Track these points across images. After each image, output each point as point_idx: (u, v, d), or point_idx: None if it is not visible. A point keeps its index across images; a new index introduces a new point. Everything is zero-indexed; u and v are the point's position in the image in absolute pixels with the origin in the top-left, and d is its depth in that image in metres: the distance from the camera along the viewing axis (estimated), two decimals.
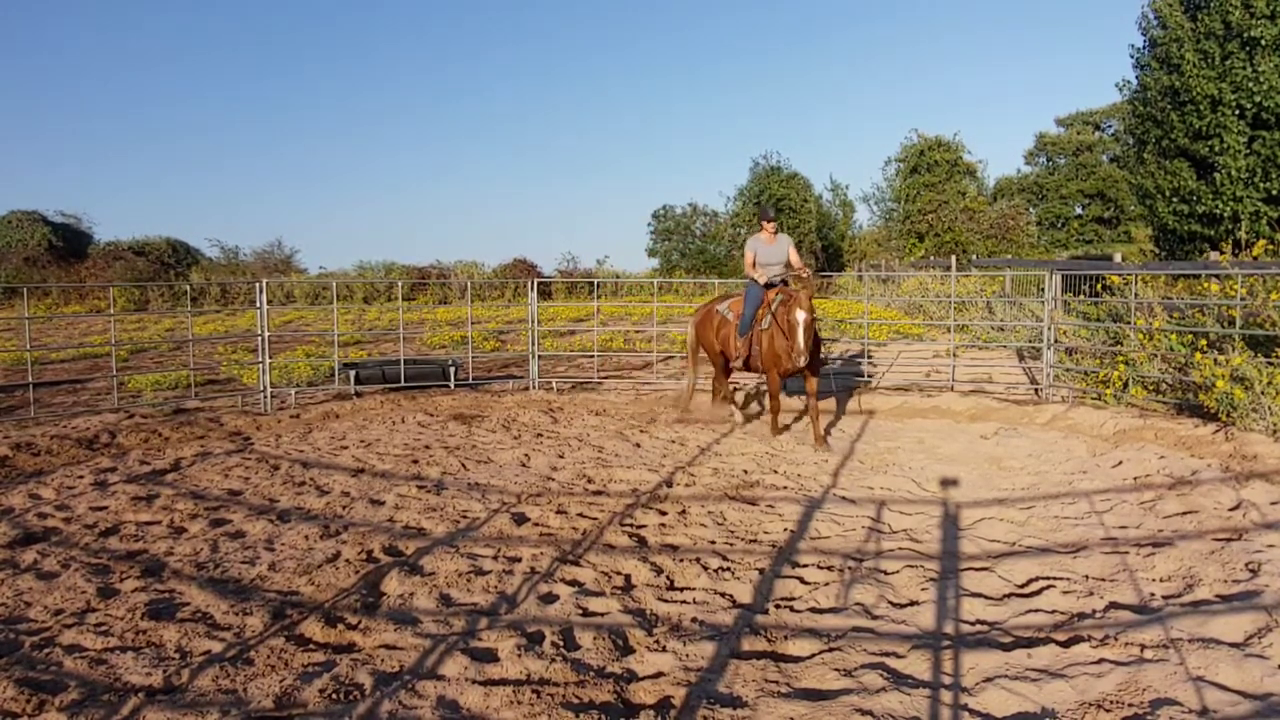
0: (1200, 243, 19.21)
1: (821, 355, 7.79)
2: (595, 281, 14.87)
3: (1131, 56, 21.22)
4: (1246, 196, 18.30)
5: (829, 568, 4.44)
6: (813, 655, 3.45)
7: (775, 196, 31.41)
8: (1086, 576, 4.20)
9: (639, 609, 3.96)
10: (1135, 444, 6.84)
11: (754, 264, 7.95)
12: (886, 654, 3.43)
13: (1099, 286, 11.88)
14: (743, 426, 8.33)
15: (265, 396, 9.35)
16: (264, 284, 9.81)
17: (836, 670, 3.31)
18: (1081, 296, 13.03)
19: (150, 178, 70.48)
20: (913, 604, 3.97)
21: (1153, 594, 3.95)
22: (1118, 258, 16.83)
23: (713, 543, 4.91)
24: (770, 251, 7.94)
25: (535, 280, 11.65)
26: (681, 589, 4.23)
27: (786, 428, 8.21)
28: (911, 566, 4.41)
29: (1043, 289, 9.78)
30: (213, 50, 78.67)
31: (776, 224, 7.97)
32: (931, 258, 28.10)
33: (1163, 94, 19.76)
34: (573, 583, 4.31)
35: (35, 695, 3.12)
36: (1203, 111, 18.59)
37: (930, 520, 5.27)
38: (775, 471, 6.53)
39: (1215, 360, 7.18)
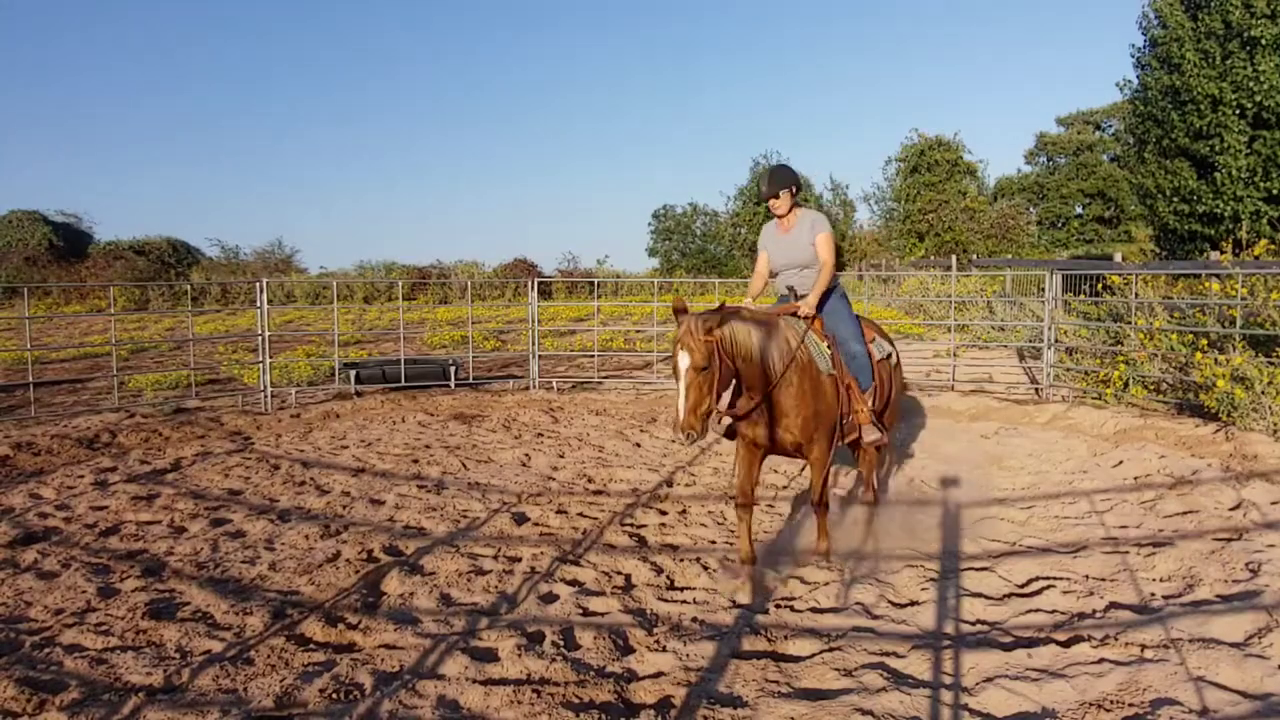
0: (1201, 242, 19.20)
1: (846, 425, 4.49)
2: (595, 281, 14.87)
3: (1132, 56, 21.23)
4: (1247, 196, 18.29)
5: (829, 567, 4.44)
6: (813, 655, 3.45)
7: None
8: (1087, 576, 4.20)
9: (639, 609, 3.96)
10: (1136, 444, 6.83)
11: (763, 278, 4.90)
12: (887, 654, 3.42)
13: (1099, 286, 11.87)
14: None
15: (265, 396, 9.36)
16: (264, 284, 9.81)
17: (837, 670, 3.31)
18: (1082, 296, 13.03)
19: (150, 178, 70.46)
20: (913, 604, 3.97)
21: (1153, 594, 3.95)
22: (1118, 257, 16.81)
23: (713, 542, 4.91)
24: (784, 247, 4.73)
25: (535, 280, 11.66)
26: (682, 589, 4.23)
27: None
28: (912, 566, 4.41)
29: (1043, 289, 9.78)
30: (213, 50, 78.70)
31: (795, 198, 4.69)
32: (932, 257, 28.10)
33: (1163, 93, 19.75)
34: (573, 582, 4.32)
35: (36, 694, 3.12)
36: (1203, 111, 18.58)
37: (930, 520, 5.26)
38: (775, 470, 6.53)
39: (1216, 360, 7.18)
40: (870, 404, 4.59)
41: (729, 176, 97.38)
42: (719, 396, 3.89)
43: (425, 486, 6.17)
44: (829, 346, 4.46)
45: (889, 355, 5.07)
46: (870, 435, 4.53)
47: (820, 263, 4.65)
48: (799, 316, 4.46)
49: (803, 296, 4.65)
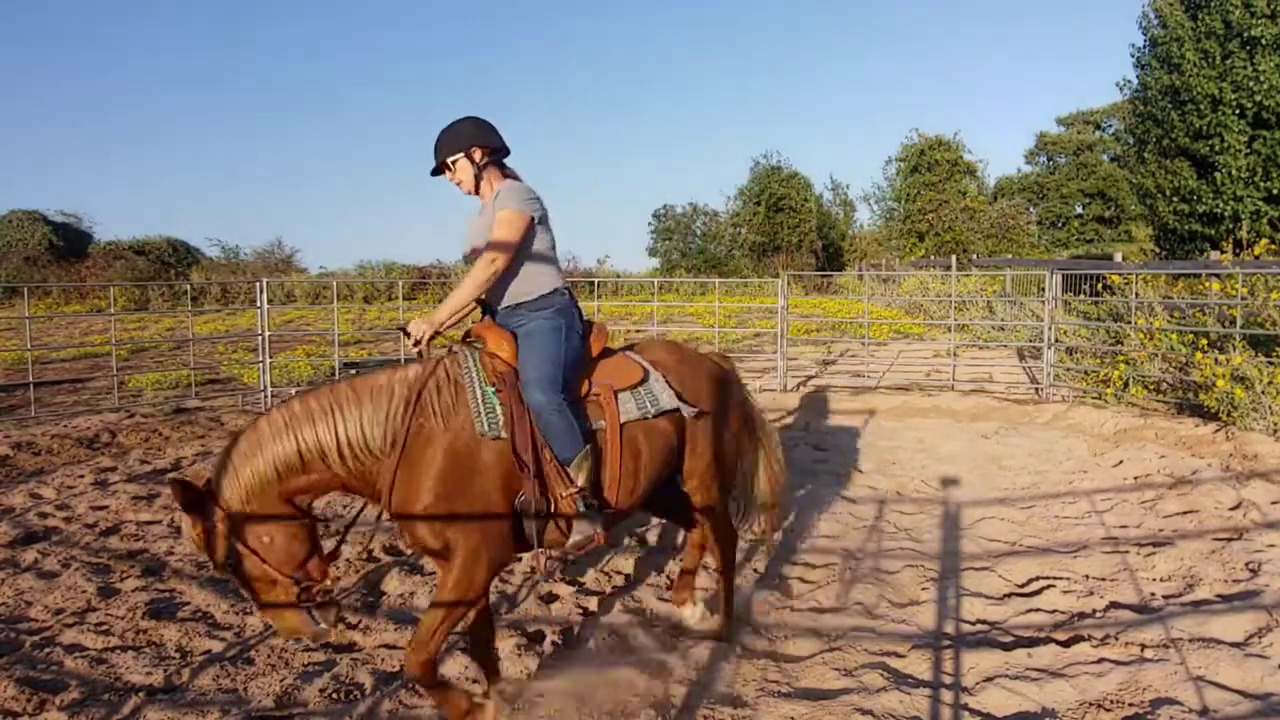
0: (1201, 242, 19.21)
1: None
2: (595, 281, 14.87)
3: (1132, 56, 21.26)
4: (1247, 196, 18.30)
5: (830, 567, 4.44)
6: (813, 655, 3.45)
7: (776, 196, 31.39)
8: (1087, 576, 4.20)
9: (639, 608, 3.96)
10: (1136, 443, 6.84)
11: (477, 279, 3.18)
12: (887, 653, 3.43)
13: (1099, 286, 11.87)
14: None
15: (266, 396, 9.35)
16: (264, 283, 9.81)
17: (837, 670, 3.31)
18: (1082, 296, 13.03)
19: (150, 178, 70.46)
20: (913, 603, 3.97)
21: (1153, 593, 3.96)
22: (1118, 257, 16.82)
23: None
24: (475, 233, 3.23)
25: None
26: None
27: None
28: (912, 566, 4.41)
29: (1043, 288, 9.78)
30: (213, 49, 78.72)
31: (487, 164, 3.20)
32: (932, 257, 28.10)
33: (1163, 93, 19.76)
34: (573, 582, 4.32)
35: (36, 694, 3.12)
36: (1203, 111, 18.59)
37: (931, 519, 5.26)
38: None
39: (1216, 360, 7.18)
40: (586, 484, 2.91)
41: (729, 176, 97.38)
42: (302, 565, 2.67)
43: None
44: (503, 392, 2.87)
45: (670, 410, 3.20)
46: (577, 533, 2.95)
47: (496, 240, 3.03)
48: (410, 340, 2.97)
49: (485, 304, 3.21)
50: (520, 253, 3.09)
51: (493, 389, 2.87)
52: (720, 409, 3.45)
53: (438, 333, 3.01)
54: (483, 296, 3.15)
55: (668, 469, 3.30)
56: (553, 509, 2.89)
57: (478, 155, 3.15)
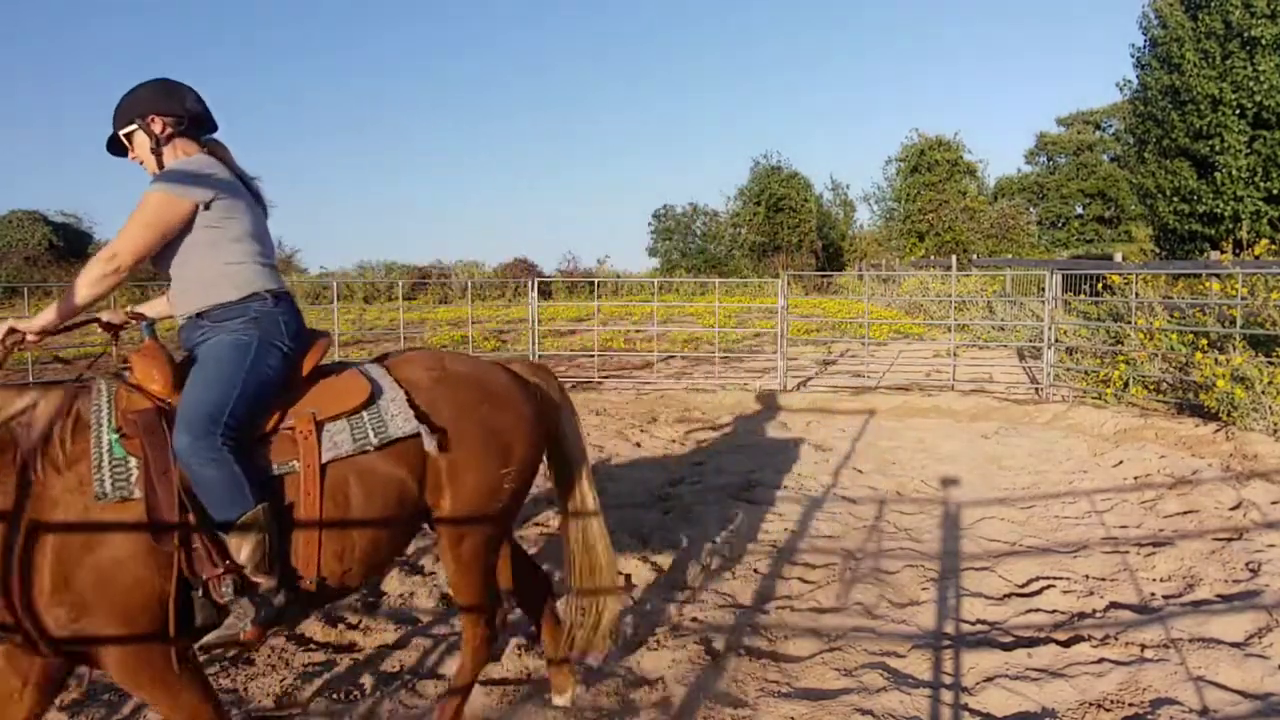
0: (1201, 242, 19.24)
1: None
2: (595, 281, 14.91)
3: (1132, 56, 21.29)
4: (1247, 196, 18.32)
5: (830, 567, 4.44)
6: (813, 655, 3.45)
7: (776, 196, 31.42)
8: (1087, 576, 4.20)
9: (640, 609, 3.96)
10: (1136, 443, 6.84)
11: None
12: (887, 654, 3.43)
13: (1099, 286, 11.88)
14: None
15: None
16: None
17: (837, 670, 3.31)
18: (1082, 296, 13.04)
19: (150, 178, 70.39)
20: (913, 603, 3.97)
21: (1153, 594, 3.96)
22: (1118, 257, 16.83)
23: (714, 542, 4.91)
24: None
25: (535, 280, 11.68)
26: (682, 588, 4.23)
27: None
28: (912, 566, 4.41)
29: (1043, 288, 9.78)
30: (211, 49, 78.78)
31: (164, 136, 2.48)
32: (932, 257, 28.12)
33: (1163, 93, 19.78)
34: None
35: None
36: (1203, 111, 18.61)
37: (931, 520, 5.26)
38: (777, 470, 6.53)
39: (1216, 360, 7.18)
40: (254, 558, 2.16)
41: (729, 176, 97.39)
42: None
43: None
44: (133, 439, 2.13)
45: (406, 437, 2.42)
46: (225, 627, 2.20)
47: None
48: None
49: (148, 323, 2.77)
50: (171, 247, 2.42)
51: (118, 435, 2.14)
52: (497, 433, 2.59)
53: (28, 340, 2.33)
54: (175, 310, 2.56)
55: (408, 518, 2.50)
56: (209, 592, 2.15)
57: (157, 126, 2.47)
